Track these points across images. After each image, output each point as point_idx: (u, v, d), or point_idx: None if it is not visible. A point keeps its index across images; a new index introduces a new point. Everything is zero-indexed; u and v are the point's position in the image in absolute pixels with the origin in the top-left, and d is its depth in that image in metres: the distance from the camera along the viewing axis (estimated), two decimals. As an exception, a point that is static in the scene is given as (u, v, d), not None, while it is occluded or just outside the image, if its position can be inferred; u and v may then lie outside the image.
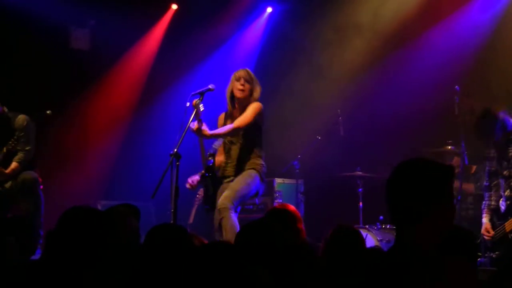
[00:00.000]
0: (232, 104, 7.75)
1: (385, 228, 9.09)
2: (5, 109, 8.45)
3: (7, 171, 8.29)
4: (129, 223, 4.97)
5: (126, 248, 4.48)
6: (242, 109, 7.63)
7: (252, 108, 7.55)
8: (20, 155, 8.37)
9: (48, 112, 8.87)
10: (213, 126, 7.59)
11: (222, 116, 7.97)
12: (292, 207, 5.80)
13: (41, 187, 8.45)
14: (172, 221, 6.94)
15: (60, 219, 4.12)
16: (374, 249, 5.90)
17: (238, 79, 7.67)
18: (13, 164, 8.34)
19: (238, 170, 7.61)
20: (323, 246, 4.71)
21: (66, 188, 10.46)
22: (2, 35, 10.87)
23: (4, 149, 8.26)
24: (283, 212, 5.58)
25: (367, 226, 9.07)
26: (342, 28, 11.21)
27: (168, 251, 3.90)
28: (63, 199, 8.75)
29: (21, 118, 8.47)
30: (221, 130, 7.51)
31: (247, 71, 7.75)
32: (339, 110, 10.49)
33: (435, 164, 3.33)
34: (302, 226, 5.62)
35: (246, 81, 7.66)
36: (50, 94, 10.92)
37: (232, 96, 7.72)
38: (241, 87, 7.62)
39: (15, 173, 8.33)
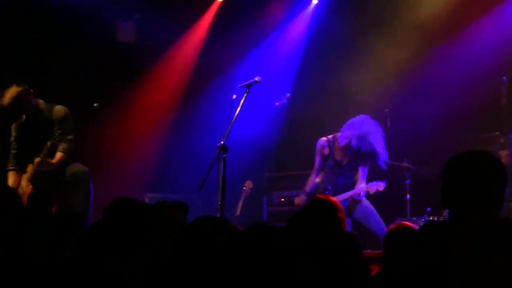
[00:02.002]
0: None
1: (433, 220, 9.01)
2: (40, 101, 8.48)
3: (54, 161, 8.27)
4: (176, 218, 5.01)
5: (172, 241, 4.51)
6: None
7: None
8: (63, 145, 8.32)
9: (95, 105, 8.92)
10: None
11: (327, 154, 8.94)
12: (332, 197, 5.90)
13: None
14: (219, 214, 6.98)
15: (107, 210, 4.16)
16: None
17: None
18: (58, 154, 8.31)
19: None
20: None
21: (113, 181, 10.51)
22: (47, 29, 10.98)
23: (49, 144, 8.28)
24: (325, 202, 5.62)
25: (414, 218, 9.00)
26: (388, 21, 11.13)
27: (206, 243, 3.92)
28: (110, 192, 8.81)
29: (59, 109, 8.45)
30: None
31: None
32: (387, 110, 10.35)
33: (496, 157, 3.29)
34: (343, 215, 5.65)
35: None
36: (97, 87, 11.00)
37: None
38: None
39: (61, 163, 8.36)
